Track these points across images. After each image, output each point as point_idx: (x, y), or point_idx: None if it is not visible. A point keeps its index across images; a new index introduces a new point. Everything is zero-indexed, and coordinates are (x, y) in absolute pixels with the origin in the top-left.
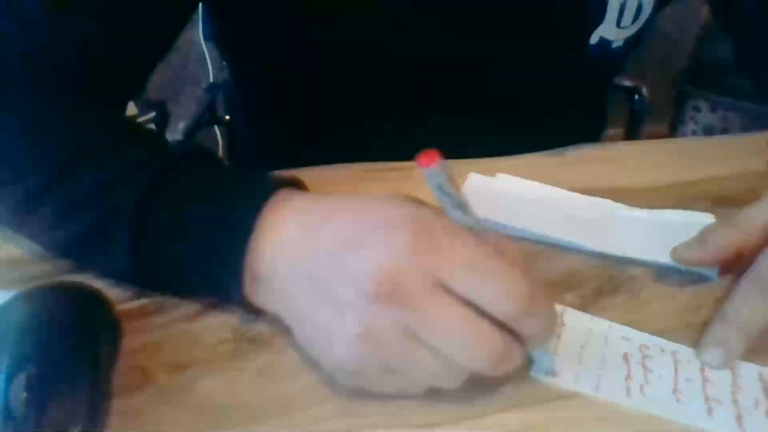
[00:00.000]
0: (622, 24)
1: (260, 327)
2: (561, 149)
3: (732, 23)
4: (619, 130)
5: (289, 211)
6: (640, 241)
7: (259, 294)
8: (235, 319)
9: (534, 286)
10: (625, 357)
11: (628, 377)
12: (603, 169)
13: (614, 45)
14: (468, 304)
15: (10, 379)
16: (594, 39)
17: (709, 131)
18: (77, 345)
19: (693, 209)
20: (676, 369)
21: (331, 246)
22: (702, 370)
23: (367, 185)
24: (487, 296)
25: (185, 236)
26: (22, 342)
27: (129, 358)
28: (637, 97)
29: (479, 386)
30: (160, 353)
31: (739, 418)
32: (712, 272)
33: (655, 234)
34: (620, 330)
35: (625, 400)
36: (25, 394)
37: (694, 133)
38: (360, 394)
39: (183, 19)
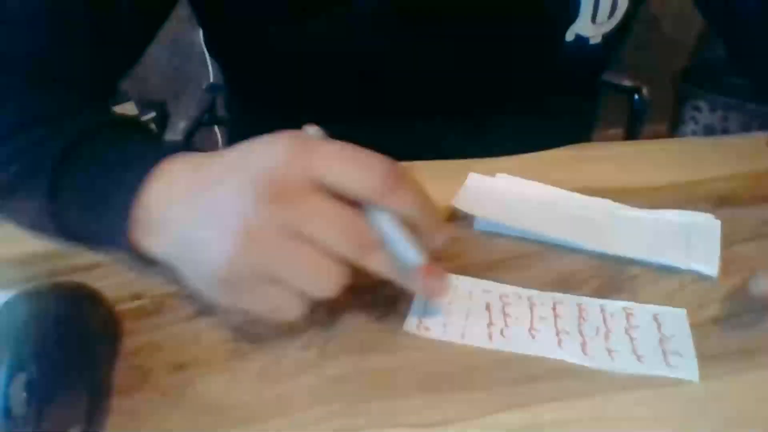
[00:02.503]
0: (597, 20)
1: (260, 327)
2: (560, 149)
3: (721, 23)
4: (619, 130)
5: (181, 163)
6: (640, 241)
7: (147, 237)
8: (235, 319)
9: (394, 165)
10: (488, 306)
11: (490, 324)
12: (603, 169)
13: (592, 42)
14: (340, 198)
15: (10, 379)
16: (570, 36)
17: (709, 131)
18: (77, 345)
19: (693, 209)
20: (531, 311)
21: (217, 174)
22: (554, 308)
23: None
24: (354, 179)
25: (90, 189)
26: (22, 342)
27: (129, 358)
28: (637, 97)
29: (479, 386)
30: (160, 353)
31: (583, 345)
32: (712, 272)
33: (655, 234)
34: (482, 284)
35: (488, 343)
36: (25, 394)
37: (694, 133)
38: (360, 394)
39: (157, 24)
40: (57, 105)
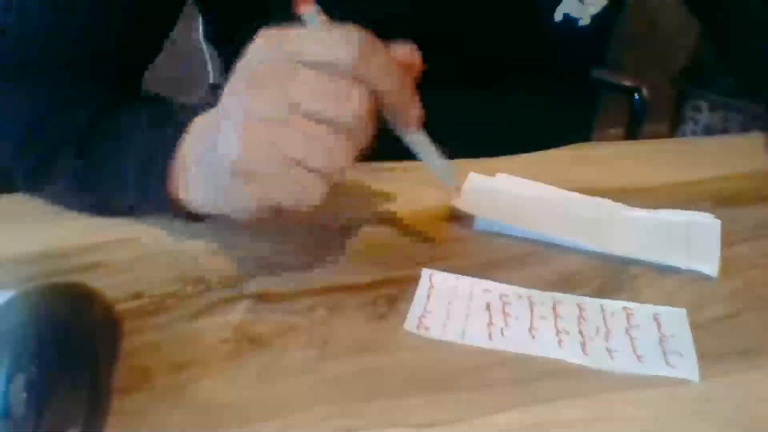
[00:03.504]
0: (585, 0)
1: (260, 327)
2: (560, 149)
3: (709, 20)
4: (619, 130)
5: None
6: (640, 241)
7: (184, 189)
8: (235, 319)
9: (368, 36)
10: (488, 306)
11: (490, 323)
12: (603, 169)
13: (581, 23)
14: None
15: (10, 379)
16: (558, 16)
17: (709, 131)
18: (77, 345)
19: (693, 209)
20: (531, 311)
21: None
22: (554, 308)
23: (367, 184)
24: (329, 53)
25: (131, 154)
26: (22, 342)
27: (129, 358)
28: (637, 97)
29: (479, 386)
30: (160, 353)
31: (583, 345)
32: (712, 272)
33: (655, 234)
34: (482, 284)
35: (488, 343)
36: (25, 394)
37: (694, 133)
38: (360, 394)
39: (174, 14)
40: (85, 89)
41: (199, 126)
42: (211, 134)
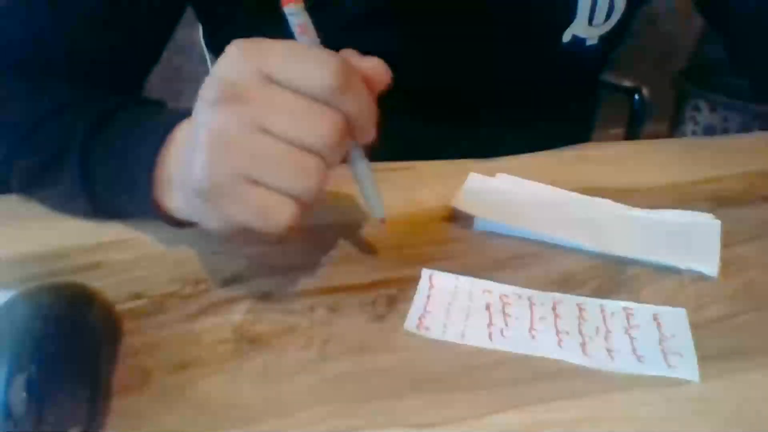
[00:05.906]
0: (594, 22)
1: (260, 327)
2: (560, 149)
3: (720, 22)
4: (619, 130)
5: (188, 122)
6: (640, 241)
7: (168, 196)
8: (235, 319)
9: (347, 64)
10: (488, 306)
11: (490, 324)
12: (603, 169)
13: (588, 43)
14: (298, 93)
15: (10, 379)
16: (567, 37)
17: (709, 131)
18: (77, 345)
19: (693, 209)
20: (531, 311)
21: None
22: (554, 308)
23: None
24: (306, 77)
25: (116, 162)
26: (22, 342)
27: (129, 358)
28: (637, 97)
29: (480, 386)
30: (160, 353)
31: (583, 345)
32: (712, 272)
33: (655, 234)
34: (482, 284)
35: (488, 343)
36: (25, 394)
37: (694, 133)
38: (360, 394)
39: (173, 20)
40: (81, 95)
41: (180, 134)
42: (185, 148)
